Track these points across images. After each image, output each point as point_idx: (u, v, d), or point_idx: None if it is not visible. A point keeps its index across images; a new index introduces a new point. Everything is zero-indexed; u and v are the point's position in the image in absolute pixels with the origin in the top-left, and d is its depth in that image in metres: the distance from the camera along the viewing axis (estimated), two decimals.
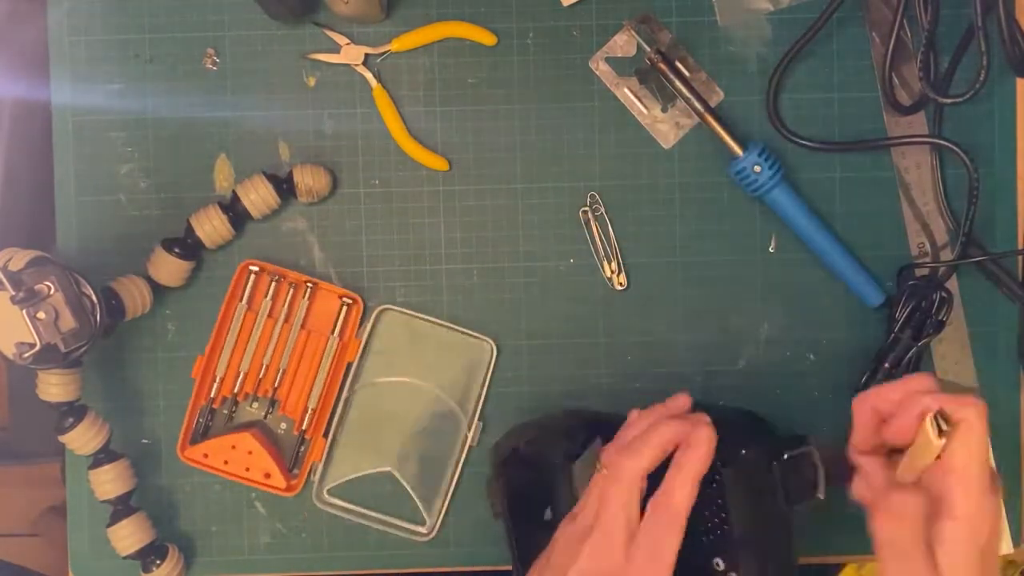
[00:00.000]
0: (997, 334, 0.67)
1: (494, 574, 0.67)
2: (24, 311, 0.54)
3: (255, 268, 0.65)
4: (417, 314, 0.66)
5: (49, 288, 0.55)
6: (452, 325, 0.66)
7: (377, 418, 0.67)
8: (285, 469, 0.66)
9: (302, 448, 0.66)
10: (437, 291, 0.67)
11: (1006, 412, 0.68)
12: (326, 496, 0.67)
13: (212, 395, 0.66)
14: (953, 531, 0.45)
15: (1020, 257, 0.67)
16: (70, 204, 0.66)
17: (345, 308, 0.66)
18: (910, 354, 0.64)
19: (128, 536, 0.63)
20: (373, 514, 0.67)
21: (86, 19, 0.66)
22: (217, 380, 0.66)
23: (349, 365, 0.66)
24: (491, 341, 0.66)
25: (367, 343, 0.66)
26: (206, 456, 0.65)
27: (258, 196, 0.63)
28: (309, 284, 0.65)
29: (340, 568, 0.67)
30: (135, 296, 0.62)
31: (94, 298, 0.57)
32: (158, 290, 0.64)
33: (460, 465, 0.66)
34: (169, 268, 0.63)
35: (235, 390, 0.66)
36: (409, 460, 0.67)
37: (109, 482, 0.62)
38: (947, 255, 0.66)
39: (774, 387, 0.67)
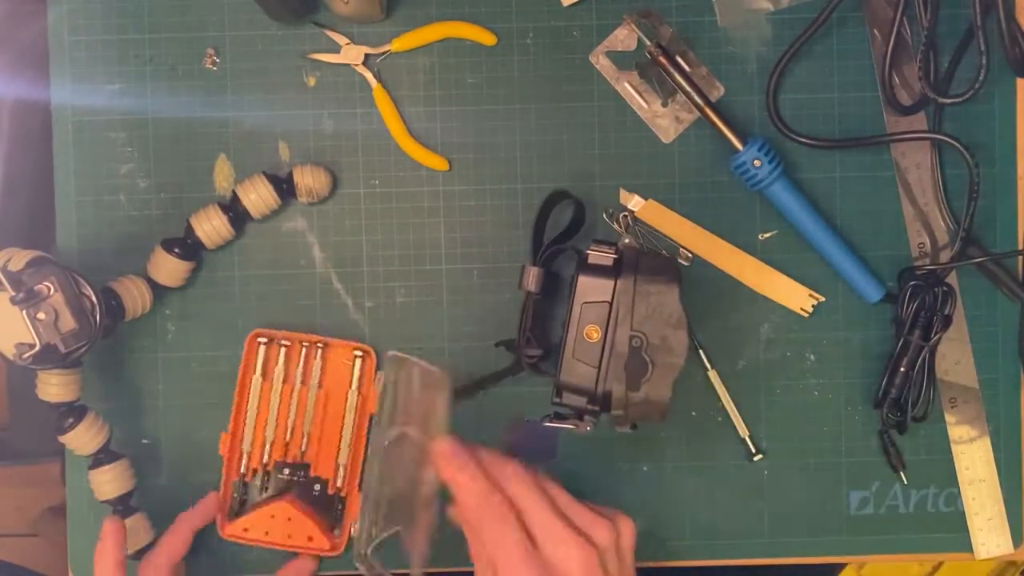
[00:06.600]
0: (997, 334, 0.67)
1: None
2: (24, 311, 0.54)
3: (263, 339, 0.65)
4: (418, 360, 0.57)
5: (49, 288, 0.55)
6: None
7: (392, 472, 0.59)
8: (327, 529, 0.65)
9: (340, 507, 0.66)
10: (437, 291, 0.67)
11: (1006, 412, 0.68)
12: (368, 555, 0.58)
13: (243, 470, 0.66)
14: None
15: (1020, 257, 0.67)
16: (70, 204, 0.66)
17: (359, 361, 0.65)
18: (923, 354, 0.64)
19: (128, 536, 0.63)
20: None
21: (86, 19, 0.66)
22: (245, 455, 0.66)
23: (371, 417, 0.66)
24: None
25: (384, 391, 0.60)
26: (246, 531, 0.64)
27: (258, 196, 0.63)
28: (319, 344, 0.65)
29: (340, 568, 0.67)
30: (135, 296, 0.62)
31: (94, 298, 0.57)
32: (158, 290, 0.64)
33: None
34: (169, 268, 0.63)
35: (264, 460, 0.66)
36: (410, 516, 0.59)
37: (109, 482, 0.62)
38: (947, 255, 0.66)
39: (774, 387, 0.67)
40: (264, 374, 0.66)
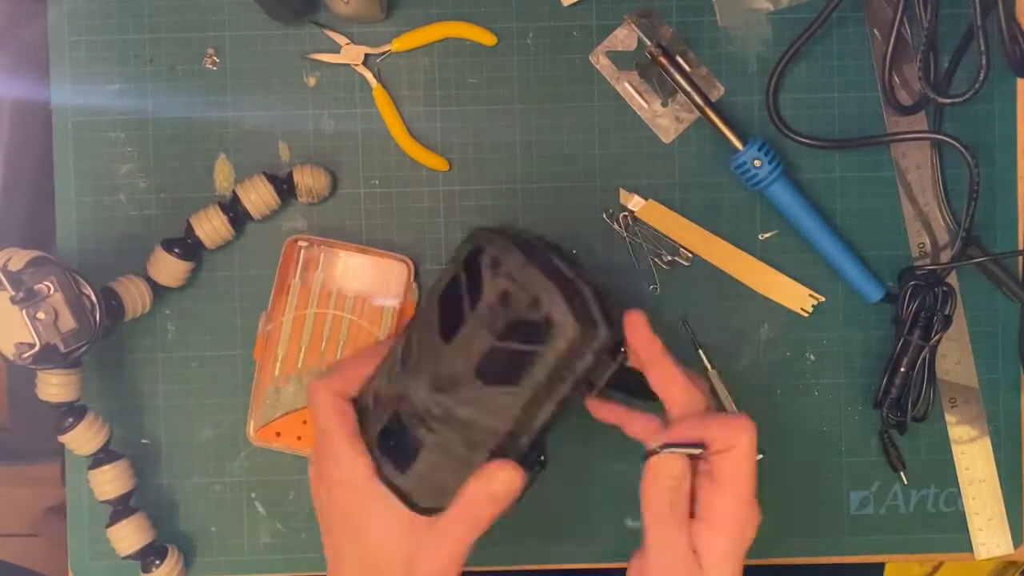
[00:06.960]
0: (997, 334, 0.67)
1: (494, 574, 0.67)
2: (24, 311, 0.54)
3: (304, 243, 0.65)
4: None
5: (49, 288, 0.55)
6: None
7: None
8: None
9: None
10: None
11: (1006, 412, 0.68)
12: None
13: (276, 374, 0.66)
14: (719, 543, 0.48)
15: (1020, 257, 0.67)
16: (70, 204, 0.66)
17: (397, 271, 0.65)
18: (923, 354, 0.64)
19: (128, 536, 0.63)
20: None
21: (86, 19, 0.66)
22: (279, 359, 0.65)
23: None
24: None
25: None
26: (279, 435, 0.65)
27: (258, 196, 0.63)
28: (359, 253, 0.65)
29: None
30: (135, 296, 0.62)
31: (94, 298, 0.57)
32: (158, 290, 0.64)
33: None
34: (169, 268, 0.63)
35: (299, 366, 0.66)
36: None
37: (109, 482, 0.62)
38: (947, 255, 0.66)
39: (774, 387, 0.67)
40: (303, 280, 0.66)
